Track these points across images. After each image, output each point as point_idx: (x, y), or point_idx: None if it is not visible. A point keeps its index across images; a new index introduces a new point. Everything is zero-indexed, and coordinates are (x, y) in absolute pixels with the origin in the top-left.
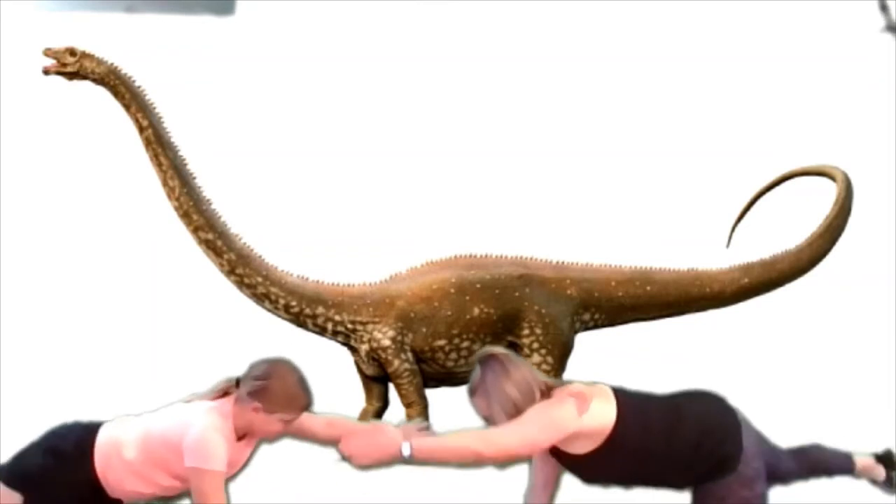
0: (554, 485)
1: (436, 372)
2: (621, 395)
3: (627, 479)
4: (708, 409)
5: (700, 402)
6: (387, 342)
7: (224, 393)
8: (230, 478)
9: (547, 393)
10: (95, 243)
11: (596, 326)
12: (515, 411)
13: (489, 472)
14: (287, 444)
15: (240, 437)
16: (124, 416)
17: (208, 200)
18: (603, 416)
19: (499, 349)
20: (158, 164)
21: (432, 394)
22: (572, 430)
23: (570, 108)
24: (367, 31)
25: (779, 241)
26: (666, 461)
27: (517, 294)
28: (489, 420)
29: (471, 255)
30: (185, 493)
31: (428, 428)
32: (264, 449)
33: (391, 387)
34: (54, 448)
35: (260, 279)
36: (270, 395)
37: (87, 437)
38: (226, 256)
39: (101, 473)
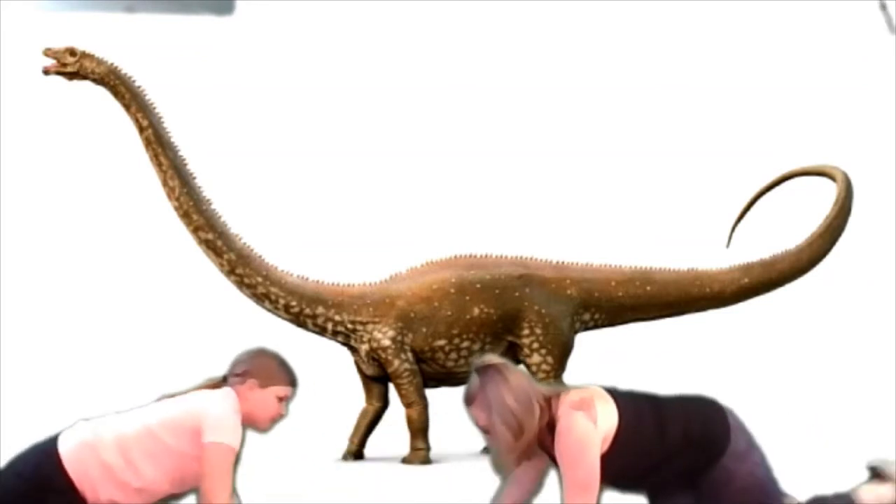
0: (534, 484)
1: (436, 372)
2: (617, 395)
3: (630, 482)
4: (691, 400)
5: (683, 397)
6: (387, 342)
7: (213, 387)
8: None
9: (546, 405)
10: (95, 243)
11: (596, 326)
12: (515, 422)
13: (488, 472)
14: (286, 444)
15: None
16: (82, 420)
17: (208, 200)
18: (609, 418)
19: (496, 358)
20: (158, 164)
21: (432, 394)
22: (599, 440)
23: (570, 108)
24: (366, 31)
25: (779, 241)
26: (663, 457)
27: (517, 294)
28: (487, 431)
29: (471, 255)
30: (172, 497)
31: None
32: (265, 447)
33: (391, 387)
34: (15, 487)
35: (260, 279)
36: (260, 370)
37: (48, 454)
38: (226, 256)
39: (79, 485)
